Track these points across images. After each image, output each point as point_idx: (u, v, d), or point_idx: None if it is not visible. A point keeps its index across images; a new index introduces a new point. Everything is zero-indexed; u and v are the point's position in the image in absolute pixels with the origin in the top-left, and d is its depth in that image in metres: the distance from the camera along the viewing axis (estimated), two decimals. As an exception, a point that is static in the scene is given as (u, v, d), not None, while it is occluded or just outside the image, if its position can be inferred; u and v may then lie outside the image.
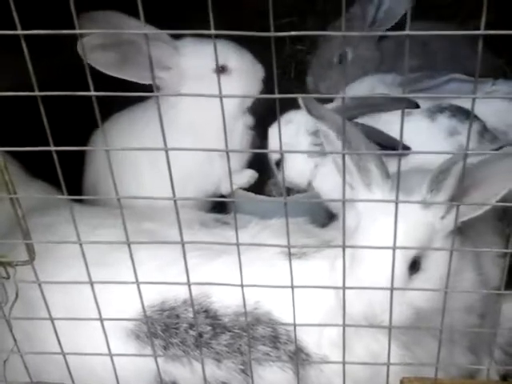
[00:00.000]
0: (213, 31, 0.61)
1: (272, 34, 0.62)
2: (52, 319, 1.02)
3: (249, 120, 2.08)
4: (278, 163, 2.05)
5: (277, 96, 0.68)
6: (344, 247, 0.84)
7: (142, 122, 2.01)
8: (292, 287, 0.93)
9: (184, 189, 2.01)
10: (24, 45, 0.63)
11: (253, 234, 1.62)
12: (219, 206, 2.11)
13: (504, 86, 2.19)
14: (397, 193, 0.82)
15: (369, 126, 1.75)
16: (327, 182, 1.93)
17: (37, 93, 0.68)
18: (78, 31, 0.64)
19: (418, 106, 1.84)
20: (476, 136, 1.83)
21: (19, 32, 0.62)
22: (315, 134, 1.90)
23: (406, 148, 1.63)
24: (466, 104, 1.96)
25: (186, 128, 1.95)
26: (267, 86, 2.03)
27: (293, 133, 1.93)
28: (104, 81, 1.65)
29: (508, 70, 2.68)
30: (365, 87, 2.31)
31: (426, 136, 1.80)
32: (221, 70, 1.93)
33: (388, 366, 1.03)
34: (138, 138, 1.98)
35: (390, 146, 1.65)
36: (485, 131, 1.86)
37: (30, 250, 1.13)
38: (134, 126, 2.03)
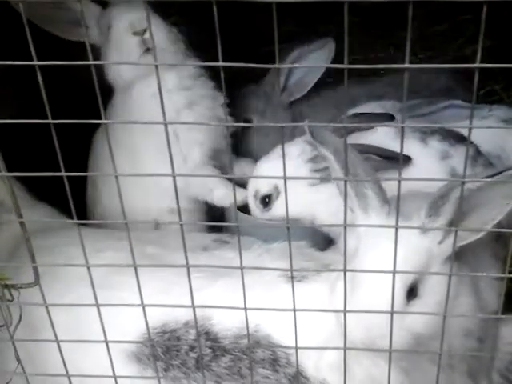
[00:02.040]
0: (221, 63, 0.64)
1: (277, 65, 0.65)
2: (58, 341, 1.04)
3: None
4: (266, 199, 1.96)
5: (282, 124, 0.70)
6: (345, 271, 0.86)
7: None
8: (294, 310, 0.95)
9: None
10: (39, 75, 0.66)
11: (255, 256, 1.63)
12: (217, 221, 2.12)
13: (500, 111, 2.25)
14: (397, 219, 0.84)
15: (368, 145, 1.79)
16: (326, 208, 1.90)
17: (50, 120, 0.70)
18: (91, 62, 0.67)
19: (393, 118, 1.92)
20: (469, 160, 1.85)
21: (35, 63, 0.65)
22: (313, 160, 1.89)
23: (407, 158, 1.69)
24: (462, 129, 2.00)
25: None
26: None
27: (291, 168, 1.87)
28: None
29: (504, 96, 2.73)
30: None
31: (420, 159, 1.82)
32: (144, 32, 1.90)
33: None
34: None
35: (390, 157, 1.70)
36: (478, 155, 1.89)
37: (35, 272, 1.15)
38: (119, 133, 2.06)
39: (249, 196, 1.97)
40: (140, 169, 2.03)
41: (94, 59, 0.70)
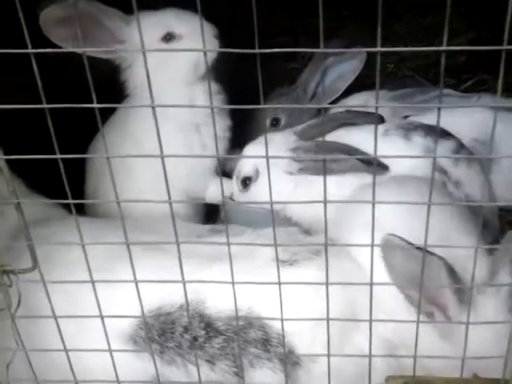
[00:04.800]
0: (205, 49, 0.68)
1: (257, 51, 0.69)
2: (56, 317, 1.09)
3: (211, 86, 2.04)
4: (246, 181, 2.05)
5: (263, 106, 0.75)
6: (326, 245, 0.91)
7: (135, 126, 2.08)
8: (279, 283, 1.00)
9: (179, 195, 2.08)
10: (34, 62, 0.70)
11: (247, 241, 1.67)
12: (211, 217, 2.19)
13: (488, 99, 2.30)
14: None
15: (343, 144, 1.85)
16: (302, 205, 1.92)
17: (45, 105, 0.75)
18: (83, 49, 0.71)
19: (383, 121, 1.95)
20: (451, 154, 1.90)
21: (30, 51, 0.69)
22: (294, 150, 1.96)
23: (383, 165, 1.74)
24: (451, 116, 2.05)
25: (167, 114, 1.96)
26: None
27: (272, 151, 1.95)
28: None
29: (492, 86, 2.78)
30: (358, 101, 2.43)
31: (403, 154, 1.87)
32: (168, 38, 1.96)
33: (370, 358, 1.09)
34: (136, 143, 2.07)
35: (366, 160, 1.76)
36: (461, 149, 1.94)
37: (33, 256, 1.20)
38: (129, 130, 2.10)
39: (233, 177, 2.06)
40: (156, 165, 2.05)
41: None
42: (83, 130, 2.02)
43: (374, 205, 0.83)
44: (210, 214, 2.29)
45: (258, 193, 2.01)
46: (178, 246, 0.94)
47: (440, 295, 1.39)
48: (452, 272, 1.32)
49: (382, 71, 2.97)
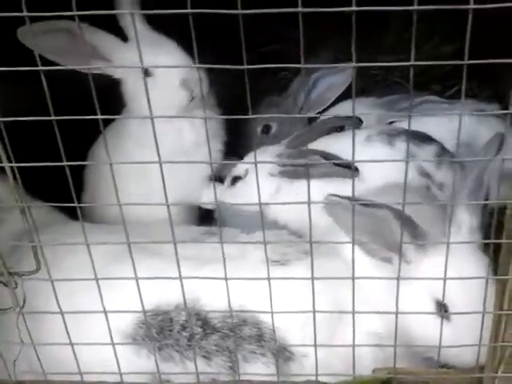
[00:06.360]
0: (197, 65, 0.76)
1: (245, 66, 0.76)
2: (62, 313, 1.16)
3: (198, 112, 2.09)
4: (235, 179, 2.19)
5: (252, 116, 0.82)
6: (311, 242, 0.99)
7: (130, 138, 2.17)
8: (268, 279, 1.07)
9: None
10: (43, 79, 0.78)
11: (240, 244, 1.74)
12: (206, 221, 2.26)
13: (470, 104, 2.38)
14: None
15: (321, 151, 1.94)
16: (286, 208, 2.04)
17: (53, 117, 0.82)
18: (89, 66, 0.79)
19: (361, 122, 2.09)
20: (434, 158, 1.99)
21: (40, 68, 0.76)
22: (279, 156, 2.08)
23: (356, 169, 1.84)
24: (433, 121, 2.14)
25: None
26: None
27: (261, 158, 2.07)
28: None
29: (478, 92, 2.86)
30: (346, 109, 2.51)
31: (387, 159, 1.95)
32: (146, 72, 1.99)
33: (353, 348, 1.17)
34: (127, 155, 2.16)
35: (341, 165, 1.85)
36: (443, 153, 2.02)
37: (37, 259, 1.28)
38: (122, 142, 2.18)
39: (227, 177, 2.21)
40: (147, 183, 2.09)
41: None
42: (77, 140, 2.10)
43: (354, 206, 0.90)
44: (204, 219, 2.36)
45: (243, 189, 2.14)
46: (174, 245, 1.01)
47: (396, 242, 1.39)
48: (406, 220, 1.38)
49: (370, 79, 3.08)
